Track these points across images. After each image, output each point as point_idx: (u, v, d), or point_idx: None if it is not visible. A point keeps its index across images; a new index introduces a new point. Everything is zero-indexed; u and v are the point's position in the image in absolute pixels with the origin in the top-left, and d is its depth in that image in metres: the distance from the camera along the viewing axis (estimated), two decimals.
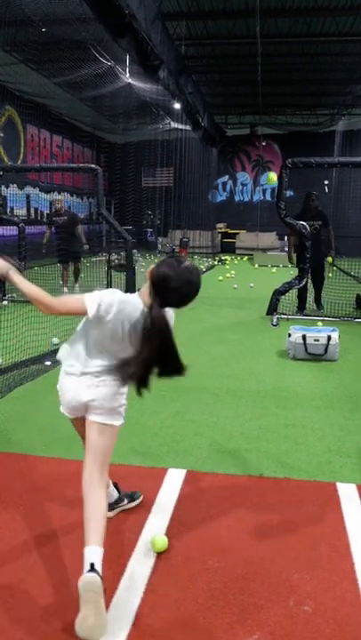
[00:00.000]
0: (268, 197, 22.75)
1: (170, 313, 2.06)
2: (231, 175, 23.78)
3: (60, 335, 5.74)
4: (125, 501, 2.61)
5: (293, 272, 8.39)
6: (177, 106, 13.66)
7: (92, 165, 9.44)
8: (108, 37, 8.90)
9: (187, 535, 2.43)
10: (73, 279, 9.70)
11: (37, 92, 13.14)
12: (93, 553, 1.91)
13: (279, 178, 7.87)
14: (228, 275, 13.54)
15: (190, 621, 1.92)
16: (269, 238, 21.04)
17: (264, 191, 23.24)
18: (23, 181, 15.75)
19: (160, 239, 20.99)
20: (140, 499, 2.67)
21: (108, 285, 8.35)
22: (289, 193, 9.51)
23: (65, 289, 8.93)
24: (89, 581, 1.83)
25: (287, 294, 7.91)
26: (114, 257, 9.06)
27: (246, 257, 20.17)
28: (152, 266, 2.01)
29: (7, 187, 13.89)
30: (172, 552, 2.30)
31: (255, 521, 2.55)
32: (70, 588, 2.06)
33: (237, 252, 21.45)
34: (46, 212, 16.67)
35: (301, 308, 8.07)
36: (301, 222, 7.61)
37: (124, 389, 2.23)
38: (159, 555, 2.28)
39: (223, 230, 22.19)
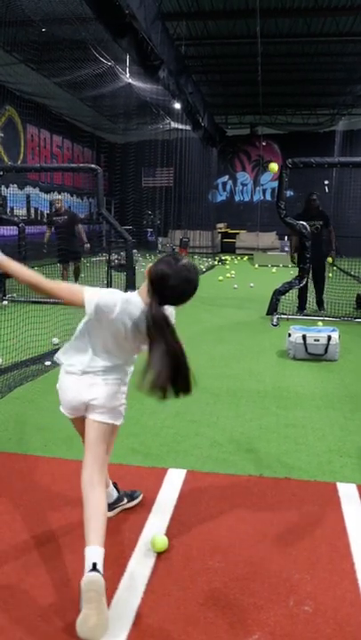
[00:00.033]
0: (269, 197, 22.77)
1: (170, 310, 2.06)
2: (231, 175, 23.78)
3: (60, 335, 5.74)
4: (125, 500, 2.61)
5: (294, 272, 8.39)
6: (177, 106, 13.67)
7: (92, 165, 9.44)
8: (108, 37, 8.91)
9: (187, 535, 2.42)
10: (73, 279, 9.70)
11: (37, 91, 13.15)
12: (95, 553, 1.91)
13: (279, 178, 7.88)
14: (228, 275, 13.54)
15: (190, 621, 1.91)
16: (270, 238, 21.04)
17: (264, 191, 23.25)
18: (23, 181, 15.76)
19: (160, 239, 21.01)
20: (139, 498, 2.67)
21: (108, 285, 8.36)
22: (289, 193, 9.52)
23: None
24: (91, 581, 1.83)
25: (287, 294, 7.91)
26: (114, 257, 9.06)
27: (246, 257, 20.18)
28: (150, 264, 2.01)
29: (7, 187, 13.89)
30: (173, 552, 2.30)
31: (255, 521, 2.55)
32: (70, 588, 2.06)
33: (237, 251, 21.47)
34: (46, 212, 16.67)
35: (302, 307, 8.07)
36: (302, 222, 7.61)
37: (125, 388, 2.23)
38: (159, 555, 2.28)
39: (223, 230, 22.19)
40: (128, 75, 11.73)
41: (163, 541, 2.30)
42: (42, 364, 5.00)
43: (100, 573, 1.85)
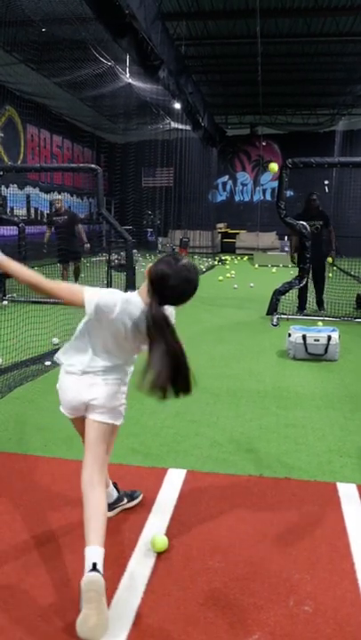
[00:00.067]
0: (269, 197, 22.77)
1: (170, 310, 2.06)
2: (231, 175, 23.78)
3: (60, 335, 5.74)
4: (125, 500, 2.61)
5: (293, 272, 8.39)
6: (177, 106, 13.67)
7: (92, 165, 9.44)
8: (108, 37, 8.91)
9: (187, 535, 2.42)
10: (73, 279, 9.69)
11: (37, 91, 13.15)
12: (95, 553, 1.91)
13: (279, 178, 7.88)
14: (228, 275, 13.54)
15: (190, 621, 1.91)
16: (270, 238, 21.05)
17: (264, 191, 23.25)
18: (23, 181, 15.76)
19: (160, 239, 21.01)
20: (139, 497, 2.67)
21: (108, 285, 8.36)
22: (289, 193, 9.51)
23: None
24: (92, 581, 1.83)
25: (287, 294, 7.91)
26: (114, 257, 9.06)
27: (246, 257, 20.18)
28: (150, 264, 2.01)
29: (7, 187, 13.88)
30: (173, 552, 2.30)
31: (255, 521, 2.55)
32: (70, 588, 2.06)
33: (237, 251, 21.47)
34: (46, 212, 16.68)
35: (302, 307, 8.07)
36: (301, 222, 7.61)
37: (125, 388, 2.23)
38: (159, 555, 2.28)
39: (223, 230, 22.19)
40: (128, 75, 11.73)
41: (163, 541, 2.30)
42: (42, 363, 5.00)
43: (100, 573, 1.85)
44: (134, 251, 9.62)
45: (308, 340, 5.50)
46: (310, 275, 8.06)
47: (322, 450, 3.37)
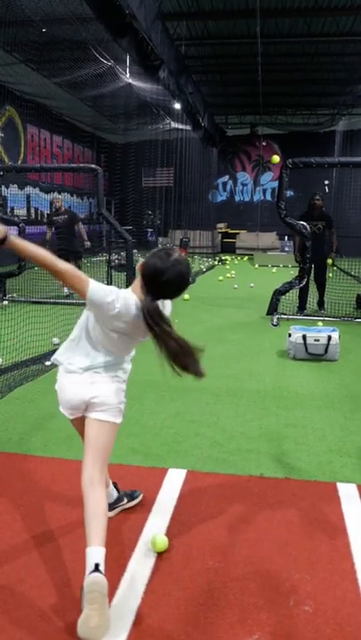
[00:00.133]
0: (269, 197, 22.77)
1: (166, 302, 2.07)
2: (231, 175, 23.78)
3: (60, 335, 5.74)
4: (125, 500, 2.61)
5: (294, 272, 8.39)
6: (177, 106, 13.66)
7: (93, 165, 9.43)
8: (108, 37, 8.90)
9: (187, 535, 2.42)
10: None
11: (38, 92, 13.15)
12: (97, 553, 1.91)
13: (279, 178, 7.88)
14: (228, 275, 13.54)
15: (191, 621, 1.91)
16: (270, 238, 21.05)
17: (264, 191, 23.25)
18: (23, 181, 15.76)
19: (160, 239, 21.00)
20: (139, 497, 2.67)
21: (108, 285, 8.35)
22: (289, 193, 9.50)
23: (65, 289, 8.93)
24: (95, 581, 1.83)
25: (288, 294, 7.91)
26: (114, 257, 9.06)
27: (246, 257, 20.18)
28: (142, 260, 2.02)
29: (7, 187, 13.89)
30: (173, 552, 2.30)
31: (255, 521, 2.55)
32: (71, 588, 2.06)
33: (238, 252, 21.47)
34: (46, 212, 16.68)
35: (302, 307, 8.07)
36: (301, 222, 7.60)
37: (124, 386, 2.23)
38: (159, 555, 2.28)
39: (223, 230, 22.19)
40: (128, 75, 11.72)
41: (163, 541, 2.30)
42: (42, 363, 5.00)
43: (102, 574, 1.86)
44: (134, 251, 9.62)
45: (309, 340, 5.50)
46: (312, 275, 8.06)
47: (322, 450, 3.36)
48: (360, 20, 12.40)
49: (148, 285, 1.99)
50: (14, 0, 8.18)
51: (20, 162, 15.70)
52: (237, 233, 22.18)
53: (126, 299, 2.04)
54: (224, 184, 23.80)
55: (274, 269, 15.45)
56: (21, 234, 9.41)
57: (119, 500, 2.58)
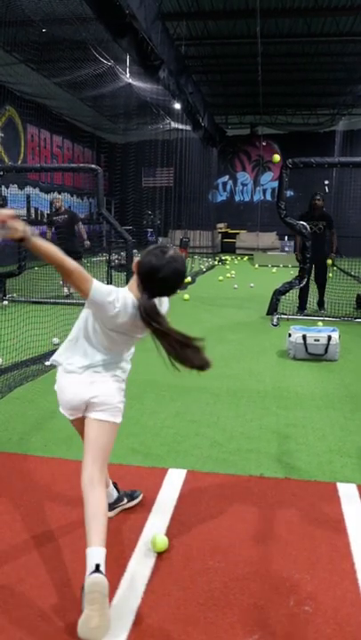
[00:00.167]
0: (269, 197, 22.78)
1: (162, 299, 2.08)
2: (231, 175, 23.78)
3: (60, 335, 5.74)
4: (125, 500, 2.61)
5: (294, 272, 8.39)
6: (177, 106, 13.66)
7: (93, 165, 9.43)
8: (108, 37, 8.91)
9: (187, 535, 2.42)
10: None
11: (38, 92, 13.15)
12: (97, 554, 1.91)
13: (279, 178, 7.88)
14: (228, 275, 13.54)
15: (191, 621, 1.91)
16: (270, 238, 21.05)
17: (264, 191, 23.25)
18: (23, 181, 15.75)
19: (160, 239, 20.99)
20: (139, 497, 2.67)
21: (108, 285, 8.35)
22: (289, 193, 9.50)
23: (65, 289, 8.94)
24: (95, 582, 1.83)
25: (288, 294, 7.91)
26: (114, 257, 9.06)
27: (246, 257, 20.18)
28: (137, 258, 2.02)
29: (7, 187, 13.86)
30: (173, 552, 2.30)
31: (255, 521, 2.55)
32: (71, 588, 2.06)
33: (238, 252, 21.48)
34: (46, 212, 16.68)
35: (302, 308, 8.07)
36: (301, 222, 7.60)
37: (124, 385, 2.23)
38: (159, 555, 2.28)
39: (223, 230, 22.20)
40: (128, 75, 11.72)
41: (163, 541, 2.30)
42: (42, 363, 5.00)
43: (103, 575, 1.86)
44: (134, 251, 9.62)
45: (309, 340, 5.50)
46: (313, 275, 8.06)
47: (322, 450, 3.36)
48: (360, 20, 12.40)
49: (144, 283, 2.00)
50: (14, 0, 8.18)
51: (20, 162, 15.70)
52: (237, 233, 22.18)
53: (124, 298, 2.04)
54: (224, 184, 23.81)
55: (274, 269, 15.45)
56: None
57: (119, 499, 2.58)
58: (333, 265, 11.24)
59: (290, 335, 5.64)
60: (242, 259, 20.04)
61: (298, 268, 7.86)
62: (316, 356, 5.50)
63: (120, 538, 2.39)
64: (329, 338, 5.49)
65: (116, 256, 9.14)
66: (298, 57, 15.16)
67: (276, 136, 22.16)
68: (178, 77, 11.86)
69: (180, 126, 15.73)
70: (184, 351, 1.98)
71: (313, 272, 8.02)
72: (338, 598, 2.04)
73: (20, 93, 13.93)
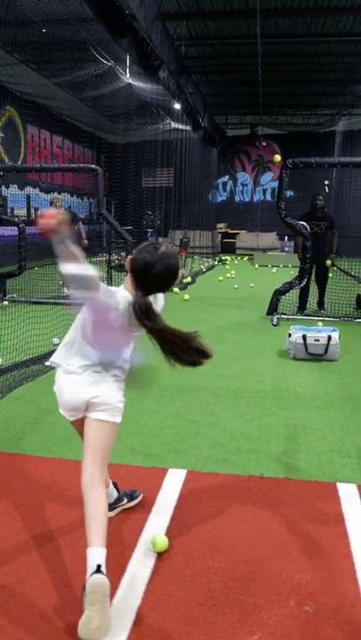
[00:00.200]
0: (269, 197, 22.78)
1: (157, 297, 2.09)
2: (231, 175, 23.79)
3: (60, 335, 5.74)
4: (125, 500, 2.61)
5: (294, 272, 8.39)
6: (177, 106, 13.67)
7: (93, 166, 9.45)
8: (108, 37, 8.91)
9: (187, 535, 2.42)
10: None
11: (38, 92, 13.15)
12: (98, 554, 1.91)
13: (279, 178, 7.88)
14: (228, 275, 13.54)
15: (191, 621, 1.91)
16: (270, 238, 21.05)
17: (264, 191, 23.26)
18: (23, 182, 15.76)
19: (160, 239, 21.00)
20: (139, 497, 2.67)
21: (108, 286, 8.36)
22: (289, 193, 9.50)
23: (65, 289, 8.93)
24: (97, 582, 1.83)
25: (288, 294, 7.91)
26: (114, 257, 9.07)
27: (246, 257, 20.19)
28: (130, 256, 2.03)
29: (7, 187, 13.88)
30: (173, 552, 2.30)
31: (255, 521, 2.55)
32: (71, 588, 2.06)
33: (238, 252, 21.48)
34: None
35: (302, 308, 8.07)
36: (301, 222, 7.60)
37: (123, 385, 2.23)
38: (159, 555, 2.28)
39: (223, 230, 22.21)
40: (128, 75, 11.72)
41: (163, 541, 2.30)
42: (42, 364, 4.99)
43: (104, 575, 1.86)
44: (134, 251, 9.64)
45: (309, 340, 5.50)
46: (313, 275, 8.06)
47: (322, 450, 3.36)
48: (360, 20, 12.40)
49: (137, 280, 2.00)
50: (14, 0, 8.19)
51: (20, 162, 15.70)
52: (237, 233, 22.19)
53: (125, 298, 2.05)
54: (224, 184, 23.81)
55: (274, 269, 15.45)
56: (21, 234, 9.43)
57: (119, 500, 2.58)
58: (333, 265, 11.25)
59: (290, 335, 5.64)
60: (242, 259, 20.04)
61: (298, 269, 7.85)
62: (316, 355, 5.50)
63: (120, 538, 2.39)
64: (329, 338, 5.49)
65: (116, 256, 9.14)
66: (298, 57, 15.17)
67: (276, 136, 22.16)
68: (178, 77, 11.86)
69: (180, 126, 15.73)
70: (180, 348, 1.96)
71: (313, 272, 8.02)
72: (338, 598, 2.04)
73: (20, 94, 13.93)
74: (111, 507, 2.50)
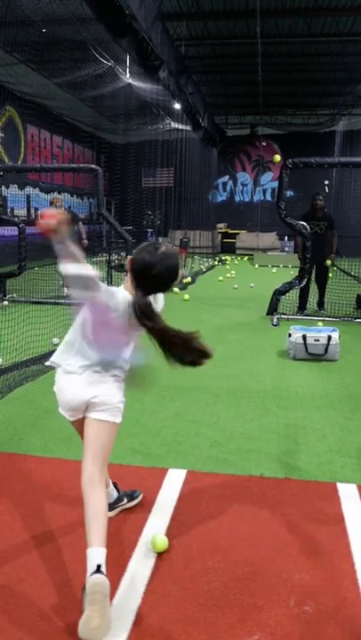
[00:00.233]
0: (269, 197, 22.78)
1: (157, 296, 2.08)
2: (231, 175, 23.79)
3: (60, 335, 5.73)
4: (125, 500, 2.61)
5: (294, 272, 8.39)
6: (177, 106, 13.66)
7: (93, 166, 9.45)
8: (108, 37, 8.92)
9: (187, 535, 2.42)
10: None
11: (38, 92, 13.16)
12: (98, 554, 1.91)
13: (279, 178, 7.88)
14: (228, 275, 13.54)
15: (191, 621, 1.91)
16: (270, 238, 21.05)
17: (264, 191, 23.26)
18: (23, 182, 15.76)
19: (160, 239, 21.00)
20: (139, 497, 2.67)
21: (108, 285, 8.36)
22: (289, 193, 9.50)
23: (65, 289, 8.93)
24: (97, 583, 1.83)
25: (288, 294, 7.91)
26: (114, 257, 9.07)
27: (246, 257, 20.19)
28: (130, 256, 2.03)
29: (7, 187, 13.88)
30: (173, 552, 2.30)
31: (255, 521, 2.55)
32: (71, 588, 2.06)
33: (238, 252, 21.49)
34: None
35: (302, 308, 8.07)
36: (301, 222, 7.60)
37: (123, 385, 2.23)
38: (159, 555, 2.28)
39: (223, 230, 22.21)
40: (128, 75, 11.73)
41: (163, 541, 2.30)
42: (42, 364, 4.99)
43: (104, 575, 1.86)
44: (134, 251, 9.64)
45: (309, 340, 5.50)
46: (313, 275, 8.06)
47: (322, 450, 3.36)
48: (360, 20, 12.40)
49: (137, 280, 2.00)
50: (14, 0, 8.19)
51: (20, 162, 15.70)
52: (237, 233, 22.19)
53: (123, 297, 2.05)
54: (224, 184, 23.81)
55: (274, 269, 15.45)
56: (21, 234, 9.43)
57: (119, 500, 2.58)
58: (333, 265, 11.25)
59: (290, 335, 5.64)
60: (242, 259, 20.04)
61: (298, 269, 7.85)
62: (316, 355, 5.50)
63: (120, 538, 2.39)
64: (329, 338, 5.49)
65: (116, 256, 9.14)
66: (298, 57, 15.17)
67: (276, 136, 22.16)
68: (178, 77, 11.86)
69: (180, 126, 15.73)
70: (180, 348, 1.97)
71: (313, 272, 8.02)
72: (338, 598, 2.04)
73: (20, 93, 13.93)
74: (111, 507, 2.50)
